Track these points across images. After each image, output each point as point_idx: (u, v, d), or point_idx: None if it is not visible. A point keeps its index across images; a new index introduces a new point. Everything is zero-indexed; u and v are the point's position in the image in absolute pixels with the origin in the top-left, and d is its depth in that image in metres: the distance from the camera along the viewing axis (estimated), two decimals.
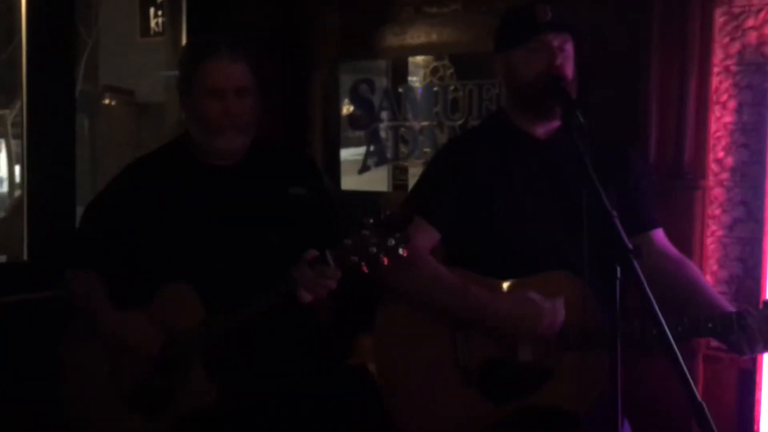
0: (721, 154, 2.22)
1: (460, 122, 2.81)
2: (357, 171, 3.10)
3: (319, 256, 1.76)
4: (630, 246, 1.46)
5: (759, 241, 2.17)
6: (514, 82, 1.92)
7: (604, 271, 1.55)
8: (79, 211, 2.30)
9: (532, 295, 1.77)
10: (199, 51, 1.98)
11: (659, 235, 1.97)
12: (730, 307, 1.79)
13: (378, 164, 3.06)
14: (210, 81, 1.93)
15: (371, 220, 1.71)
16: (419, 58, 2.94)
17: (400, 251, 1.70)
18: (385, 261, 1.71)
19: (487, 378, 1.82)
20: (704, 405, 1.24)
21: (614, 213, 1.53)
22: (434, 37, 2.89)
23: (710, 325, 1.72)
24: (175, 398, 1.88)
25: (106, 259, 2.02)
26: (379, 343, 1.95)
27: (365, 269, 1.73)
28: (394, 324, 1.93)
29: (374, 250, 1.70)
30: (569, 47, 1.87)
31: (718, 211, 2.23)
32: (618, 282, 1.47)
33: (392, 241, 1.69)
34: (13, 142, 9.83)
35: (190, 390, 1.87)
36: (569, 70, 1.86)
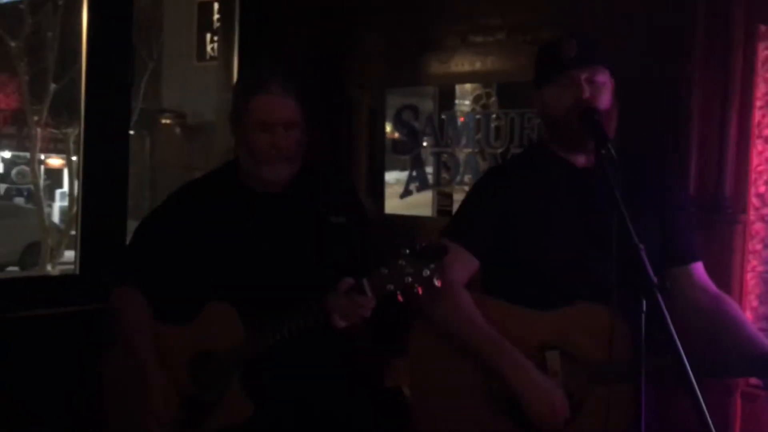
0: (762, 189, 2.19)
1: (501, 150, 2.84)
2: (399, 196, 3.16)
3: (356, 283, 1.80)
4: (655, 279, 1.46)
5: None
6: (549, 118, 1.95)
7: (632, 303, 1.55)
8: (131, 225, 2.39)
9: (552, 387, 1.78)
10: (251, 84, 2.03)
11: (699, 269, 1.96)
12: None
13: (420, 189, 3.10)
14: (260, 114, 1.99)
15: (407, 251, 1.74)
16: (468, 85, 2.98)
17: (435, 282, 1.74)
18: (420, 291, 1.74)
19: (516, 407, 1.83)
20: None
21: (641, 246, 1.53)
22: (478, 65, 2.93)
23: (743, 365, 1.71)
24: (212, 414, 1.94)
25: (153, 279, 2.10)
26: (412, 365, 1.98)
27: (400, 298, 1.76)
28: (427, 346, 1.96)
29: (410, 279, 1.73)
30: (601, 78, 1.87)
31: (759, 246, 2.20)
32: (644, 315, 1.47)
33: (427, 272, 1.73)
34: (74, 159, 10.22)
35: (226, 406, 1.92)
36: (604, 101, 1.86)
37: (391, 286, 1.74)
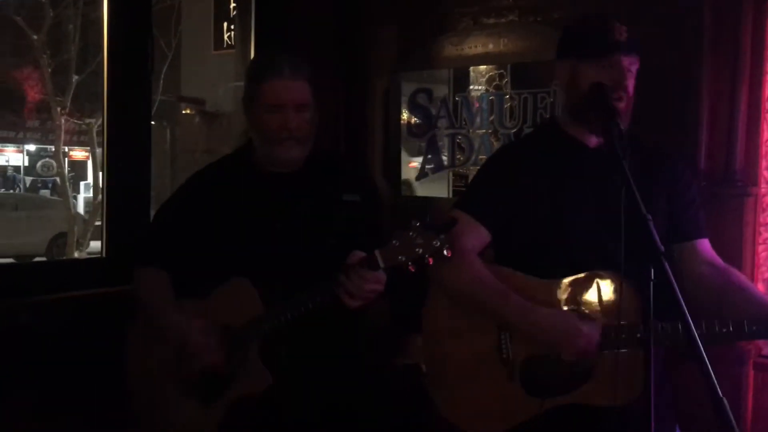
0: None
1: (514, 130, 2.88)
2: (415, 177, 3.21)
3: (368, 256, 1.86)
4: (662, 248, 1.51)
5: None
6: (576, 91, 1.94)
7: (641, 273, 1.60)
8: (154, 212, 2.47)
9: (571, 315, 1.83)
10: (262, 68, 2.09)
11: (705, 244, 1.99)
12: None
13: (435, 171, 3.15)
14: (271, 97, 2.05)
15: (417, 223, 1.80)
16: (482, 67, 3.01)
17: (445, 252, 1.79)
18: (431, 261, 1.80)
19: (530, 374, 1.88)
20: (725, 401, 1.28)
21: (649, 216, 1.57)
22: (491, 47, 2.96)
23: (754, 327, 1.73)
24: (232, 384, 2.01)
25: (173, 258, 2.17)
26: (427, 337, 2.04)
27: (412, 269, 1.82)
28: (440, 318, 2.01)
29: (420, 251, 1.79)
30: (635, 68, 1.91)
31: None
32: (652, 283, 1.51)
33: (437, 243, 1.79)
34: (98, 150, 10.37)
35: (246, 377, 2.00)
36: (631, 88, 1.90)
37: (402, 257, 1.80)
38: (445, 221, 1.80)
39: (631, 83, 1.90)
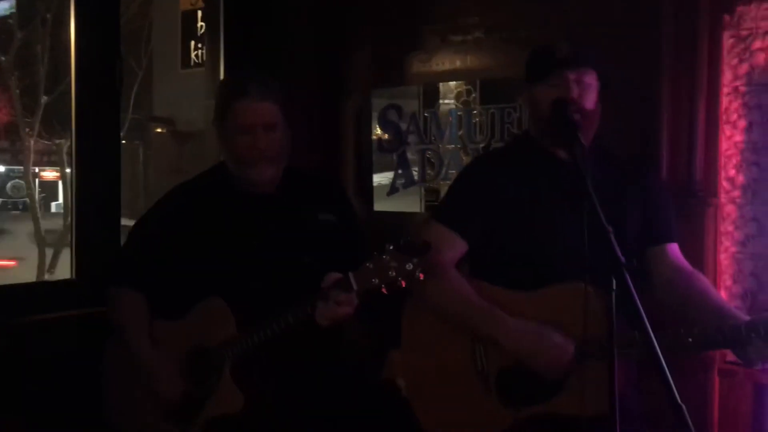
0: (732, 172, 2.27)
1: (482, 145, 2.92)
2: (386, 193, 3.23)
3: (342, 278, 1.88)
4: (623, 260, 1.54)
5: None
6: (537, 114, 2.05)
7: (605, 284, 1.63)
8: (125, 232, 2.45)
9: (543, 327, 1.88)
10: (230, 91, 2.13)
11: (674, 249, 2.06)
12: (744, 318, 1.82)
13: (406, 186, 3.18)
14: (239, 118, 2.07)
15: (391, 246, 1.83)
16: (451, 83, 3.06)
17: (417, 275, 1.82)
18: (403, 284, 1.83)
19: (504, 385, 1.92)
20: (684, 407, 1.31)
21: (610, 228, 1.61)
22: (458, 63, 3.00)
23: (720, 336, 1.77)
24: (205, 406, 2.01)
25: (147, 278, 2.17)
26: (405, 350, 2.07)
27: (384, 291, 1.84)
28: (418, 331, 2.05)
29: (393, 273, 1.82)
30: (589, 79, 1.98)
31: (730, 228, 2.28)
32: (614, 293, 1.55)
33: (410, 266, 1.81)
34: (68, 170, 10.27)
35: (218, 398, 2.00)
36: (589, 101, 1.97)
37: (375, 280, 1.82)
38: (419, 245, 1.82)
39: (586, 96, 1.95)
